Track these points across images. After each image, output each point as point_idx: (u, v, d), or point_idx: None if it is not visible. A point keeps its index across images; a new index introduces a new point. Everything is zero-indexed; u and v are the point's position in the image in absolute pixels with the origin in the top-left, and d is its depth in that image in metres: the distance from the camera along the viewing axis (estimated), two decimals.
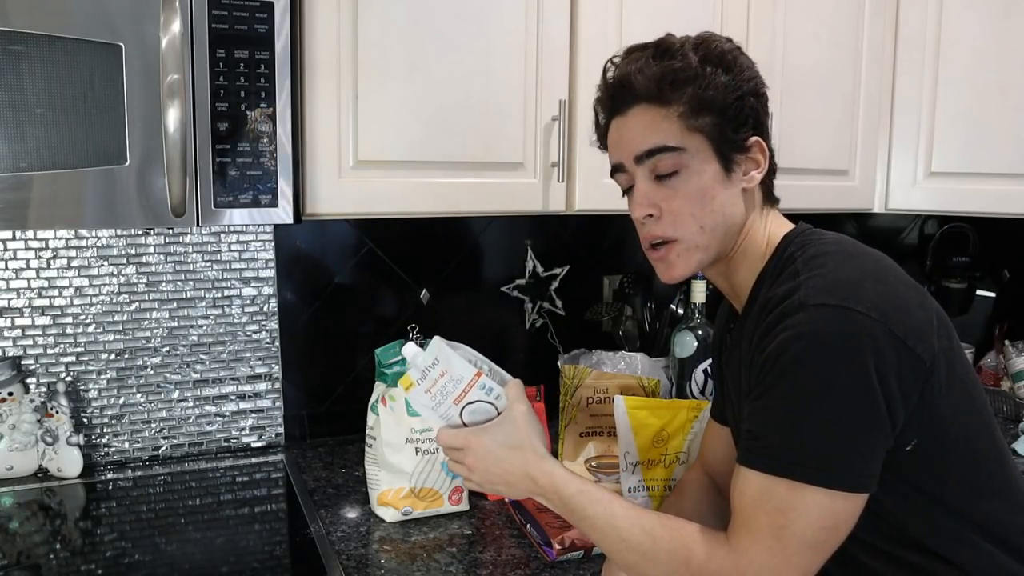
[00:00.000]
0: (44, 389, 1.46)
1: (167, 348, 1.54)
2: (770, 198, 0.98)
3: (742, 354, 0.93)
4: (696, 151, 0.90)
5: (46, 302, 1.46)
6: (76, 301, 1.47)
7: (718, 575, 0.81)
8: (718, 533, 0.85)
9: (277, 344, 1.62)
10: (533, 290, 1.84)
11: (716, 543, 0.83)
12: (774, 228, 0.96)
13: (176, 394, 1.56)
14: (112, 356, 1.51)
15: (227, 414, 1.60)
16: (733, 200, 0.92)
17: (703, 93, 0.88)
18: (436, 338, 0.98)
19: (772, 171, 0.96)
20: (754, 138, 0.92)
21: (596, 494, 0.90)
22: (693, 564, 0.83)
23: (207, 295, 1.56)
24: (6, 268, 1.43)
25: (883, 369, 0.78)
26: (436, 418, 0.99)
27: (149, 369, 1.53)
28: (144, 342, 1.52)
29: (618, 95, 0.94)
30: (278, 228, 1.59)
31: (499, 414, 0.98)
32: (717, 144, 0.90)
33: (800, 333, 0.79)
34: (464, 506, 1.33)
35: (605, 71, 0.97)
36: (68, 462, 1.43)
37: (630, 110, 0.93)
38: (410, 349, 0.98)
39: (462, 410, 0.98)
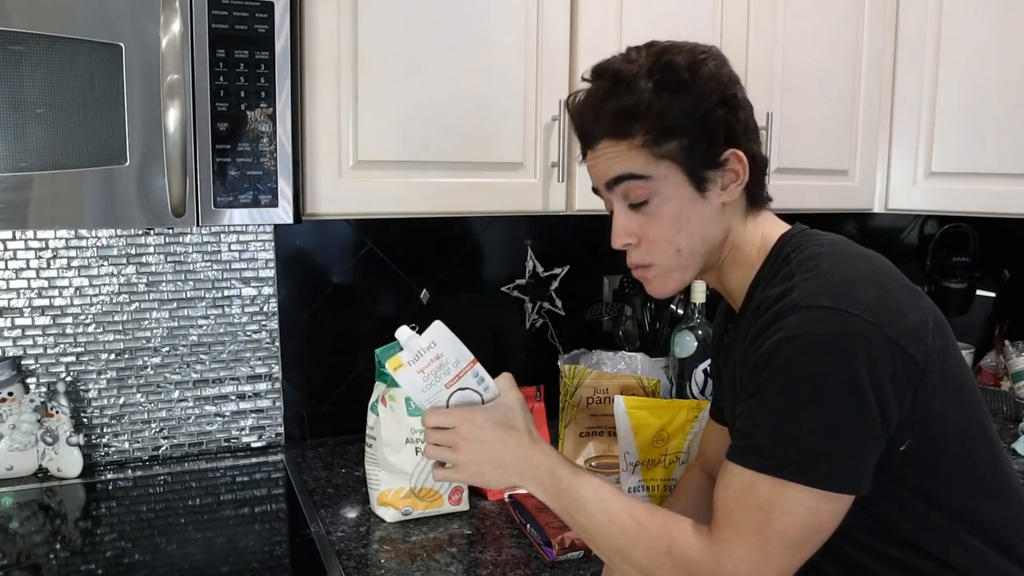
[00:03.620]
0: (44, 389, 1.46)
1: (167, 348, 1.54)
2: (758, 201, 0.95)
3: (737, 354, 0.93)
4: (665, 177, 0.89)
5: (46, 302, 1.46)
6: (76, 301, 1.48)
7: (697, 564, 0.82)
8: (702, 526, 0.85)
9: (277, 344, 1.62)
10: (533, 290, 1.84)
11: (699, 534, 0.84)
12: (768, 230, 0.95)
13: (176, 394, 1.56)
14: (112, 356, 1.51)
15: (227, 414, 1.60)
16: (710, 219, 0.91)
17: (662, 122, 0.87)
18: (437, 322, 0.96)
19: (759, 173, 0.94)
20: (728, 151, 0.89)
21: (589, 477, 0.91)
22: (675, 552, 0.83)
23: (207, 295, 1.56)
24: (6, 268, 1.43)
25: (876, 371, 0.78)
26: (423, 401, 0.97)
27: (149, 369, 1.53)
28: (144, 342, 1.52)
29: (583, 132, 0.95)
30: (278, 228, 1.59)
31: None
32: (688, 166, 0.89)
33: (792, 335, 0.80)
34: (464, 506, 1.33)
35: (568, 107, 0.97)
36: (68, 462, 1.43)
37: (597, 144, 0.93)
38: (403, 332, 0.95)
39: (450, 396, 0.96)
